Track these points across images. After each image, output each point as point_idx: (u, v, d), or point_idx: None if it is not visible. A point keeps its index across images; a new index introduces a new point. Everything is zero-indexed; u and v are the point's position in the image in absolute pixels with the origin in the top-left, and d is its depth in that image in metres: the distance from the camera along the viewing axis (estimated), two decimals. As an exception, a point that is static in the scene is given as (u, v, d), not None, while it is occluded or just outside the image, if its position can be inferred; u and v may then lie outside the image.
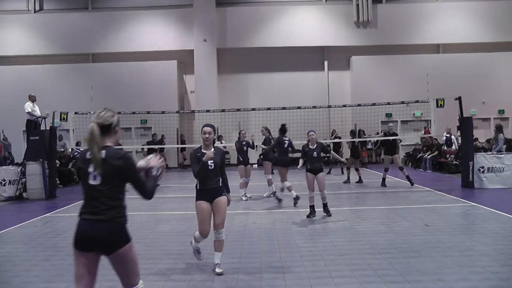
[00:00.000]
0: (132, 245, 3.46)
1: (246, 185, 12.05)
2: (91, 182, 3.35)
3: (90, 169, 3.34)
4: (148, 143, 16.29)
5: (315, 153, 9.03)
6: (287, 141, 11.19)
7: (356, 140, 16.44)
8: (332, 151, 9.79)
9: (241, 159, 12.08)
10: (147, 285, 5.38)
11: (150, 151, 14.89)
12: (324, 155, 10.61)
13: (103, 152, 3.34)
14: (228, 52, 24.39)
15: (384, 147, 15.22)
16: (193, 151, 5.68)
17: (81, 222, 3.37)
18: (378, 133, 18.03)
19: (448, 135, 19.24)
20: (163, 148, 15.46)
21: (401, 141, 15.62)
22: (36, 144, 13.50)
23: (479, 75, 23.31)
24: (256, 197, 12.25)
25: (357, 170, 15.38)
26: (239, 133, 12.41)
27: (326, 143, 22.09)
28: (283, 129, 11.37)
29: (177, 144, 21.66)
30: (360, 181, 15.27)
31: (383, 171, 14.52)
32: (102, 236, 3.31)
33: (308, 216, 9.15)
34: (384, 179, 14.28)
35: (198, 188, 5.60)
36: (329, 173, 18.46)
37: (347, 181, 15.50)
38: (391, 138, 14.38)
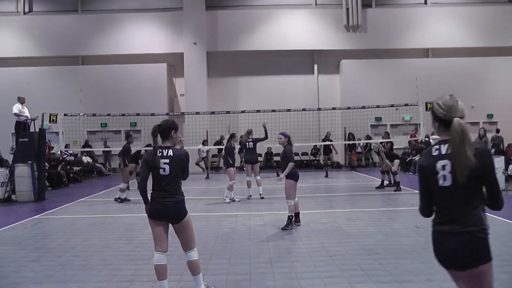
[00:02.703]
0: None
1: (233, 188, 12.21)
2: (443, 183, 2.77)
3: (442, 170, 2.78)
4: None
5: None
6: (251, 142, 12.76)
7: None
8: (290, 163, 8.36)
9: (231, 162, 12.31)
10: (137, 285, 5.38)
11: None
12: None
13: None
14: (218, 55, 24.35)
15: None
16: None
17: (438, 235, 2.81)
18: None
19: (426, 139, 19.40)
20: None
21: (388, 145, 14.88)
22: (25, 146, 13.42)
23: (468, 79, 23.44)
24: (245, 200, 12.29)
25: (394, 173, 13.84)
26: (233, 137, 12.78)
27: (317, 145, 22.58)
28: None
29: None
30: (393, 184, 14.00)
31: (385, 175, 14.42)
32: None
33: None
34: (389, 181, 14.30)
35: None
36: (326, 176, 18.50)
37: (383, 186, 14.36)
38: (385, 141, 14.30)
